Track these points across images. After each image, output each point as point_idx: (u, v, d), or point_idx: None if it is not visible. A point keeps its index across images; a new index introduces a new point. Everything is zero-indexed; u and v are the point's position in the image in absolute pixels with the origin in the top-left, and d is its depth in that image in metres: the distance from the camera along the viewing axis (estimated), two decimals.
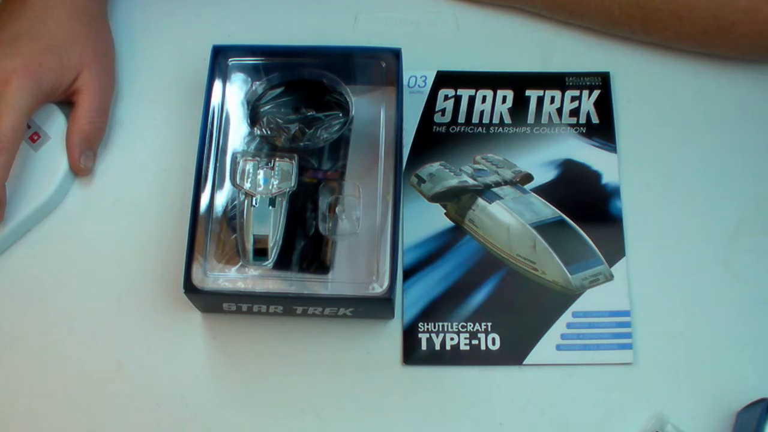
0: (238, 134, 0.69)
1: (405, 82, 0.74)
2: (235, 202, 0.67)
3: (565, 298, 0.68)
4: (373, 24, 0.77)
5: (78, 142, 0.70)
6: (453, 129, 0.74)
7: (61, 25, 0.70)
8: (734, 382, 0.66)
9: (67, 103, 0.72)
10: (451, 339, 0.67)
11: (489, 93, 0.75)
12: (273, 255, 0.65)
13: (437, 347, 0.67)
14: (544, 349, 0.67)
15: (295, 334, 0.68)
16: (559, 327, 0.67)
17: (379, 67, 0.71)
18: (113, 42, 0.75)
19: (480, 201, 0.71)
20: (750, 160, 0.73)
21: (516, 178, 0.72)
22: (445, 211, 0.71)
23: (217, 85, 0.70)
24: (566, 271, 0.69)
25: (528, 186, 0.72)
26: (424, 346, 0.67)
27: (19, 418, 0.66)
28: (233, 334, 0.68)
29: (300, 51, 0.72)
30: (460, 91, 0.75)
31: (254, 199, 0.66)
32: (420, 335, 0.67)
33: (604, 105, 0.74)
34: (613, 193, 0.71)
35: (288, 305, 0.66)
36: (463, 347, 0.67)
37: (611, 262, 0.69)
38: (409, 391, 0.66)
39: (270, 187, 0.67)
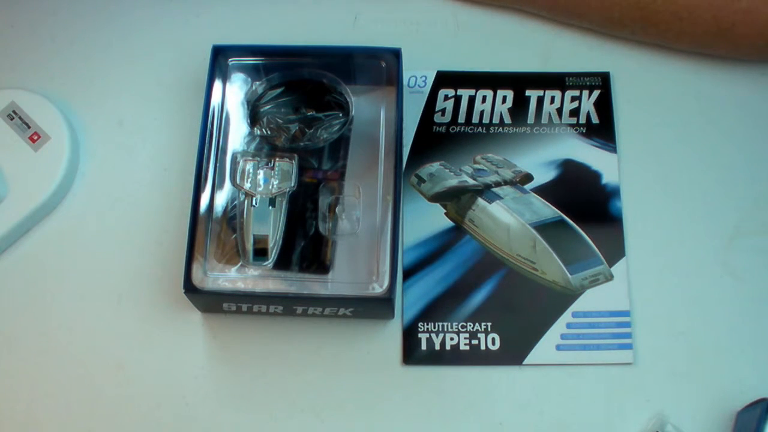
0: (238, 134, 0.69)
1: (405, 82, 0.74)
2: (235, 202, 0.67)
3: (565, 298, 0.68)
4: (373, 24, 0.77)
5: None
6: (453, 129, 0.74)
7: None
8: (734, 382, 0.66)
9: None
10: (451, 339, 0.67)
11: (489, 93, 0.75)
12: (273, 255, 0.65)
13: (437, 347, 0.67)
14: (544, 349, 0.67)
15: (295, 334, 0.68)
16: (558, 327, 0.67)
17: (379, 67, 0.71)
18: None
19: (480, 201, 0.71)
20: (750, 160, 0.73)
21: (516, 178, 0.72)
22: (445, 211, 0.71)
23: (217, 85, 0.70)
24: (566, 271, 0.69)
25: (528, 186, 0.72)
26: (424, 346, 0.67)
27: (19, 418, 0.66)
28: (233, 334, 0.68)
29: (300, 51, 0.72)
30: (460, 91, 0.75)
31: (254, 199, 0.66)
32: (420, 335, 0.67)
33: (604, 105, 0.74)
34: (613, 193, 0.71)
35: (288, 305, 0.66)
36: (463, 347, 0.67)
37: (611, 262, 0.69)
38: (409, 391, 0.66)
39: (270, 187, 0.67)
